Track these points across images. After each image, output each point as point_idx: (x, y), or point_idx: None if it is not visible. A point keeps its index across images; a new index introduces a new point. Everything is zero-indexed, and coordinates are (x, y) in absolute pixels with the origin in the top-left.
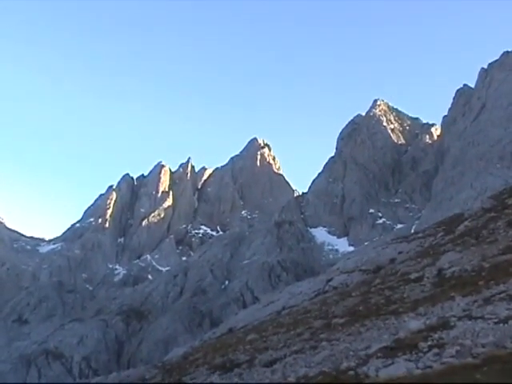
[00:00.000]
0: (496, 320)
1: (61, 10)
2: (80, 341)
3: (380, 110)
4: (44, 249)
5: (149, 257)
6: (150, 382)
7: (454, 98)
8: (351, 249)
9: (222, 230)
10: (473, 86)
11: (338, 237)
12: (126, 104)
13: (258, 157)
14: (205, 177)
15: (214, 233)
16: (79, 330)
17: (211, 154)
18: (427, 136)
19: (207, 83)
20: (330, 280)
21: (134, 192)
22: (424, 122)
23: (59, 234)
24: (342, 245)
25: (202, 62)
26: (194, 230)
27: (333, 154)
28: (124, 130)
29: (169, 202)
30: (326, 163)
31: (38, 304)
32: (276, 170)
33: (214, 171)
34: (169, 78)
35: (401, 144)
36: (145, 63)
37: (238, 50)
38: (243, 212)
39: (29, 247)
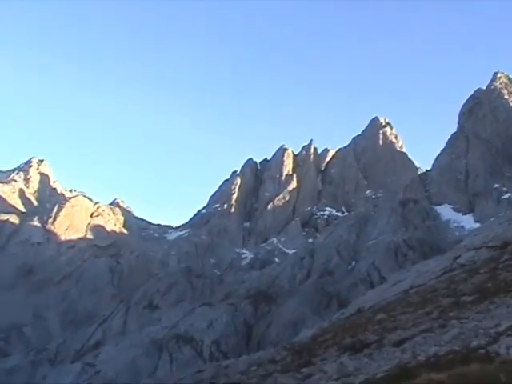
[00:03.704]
0: None
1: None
2: (210, 325)
3: (501, 83)
4: (171, 236)
5: (275, 240)
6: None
7: None
8: (477, 225)
9: (346, 211)
10: None
11: (464, 213)
12: (247, 91)
13: (380, 136)
14: (328, 158)
15: (339, 214)
16: (208, 314)
17: (333, 136)
18: None
19: (326, 65)
20: (457, 257)
21: (257, 176)
22: None
23: (186, 220)
24: (468, 221)
25: (320, 45)
26: (319, 211)
27: (455, 130)
28: (246, 115)
29: (293, 184)
30: (449, 139)
31: (167, 290)
32: (399, 149)
33: (336, 152)
34: (290, 62)
35: None
36: (266, 51)
37: (357, 32)
38: (367, 192)
39: (156, 235)
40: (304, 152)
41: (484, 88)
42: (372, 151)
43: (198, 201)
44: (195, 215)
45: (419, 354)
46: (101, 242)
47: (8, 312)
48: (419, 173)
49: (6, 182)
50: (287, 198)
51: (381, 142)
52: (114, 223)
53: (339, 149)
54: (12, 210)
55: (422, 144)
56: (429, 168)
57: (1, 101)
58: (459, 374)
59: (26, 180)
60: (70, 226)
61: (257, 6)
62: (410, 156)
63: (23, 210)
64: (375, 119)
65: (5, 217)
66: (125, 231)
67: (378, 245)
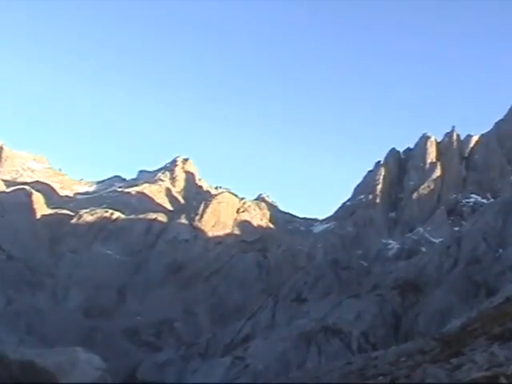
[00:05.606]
0: None
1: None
2: (357, 316)
3: None
4: (317, 229)
5: (421, 229)
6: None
7: None
8: None
9: (492, 197)
10: None
11: None
12: (385, 80)
13: None
14: (471, 144)
15: (485, 200)
16: (356, 306)
17: (476, 121)
18: None
19: (464, 51)
20: None
21: (401, 166)
22: None
23: (331, 213)
24: None
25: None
26: (465, 199)
27: None
28: (386, 105)
29: (437, 172)
30: None
31: (314, 282)
32: None
33: (479, 138)
34: (429, 50)
35: None
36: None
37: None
38: None
39: (302, 228)
40: (447, 139)
41: None
42: None
43: (343, 193)
44: (340, 207)
45: None
46: (248, 238)
47: (159, 308)
48: None
49: (153, 182)
50: (432, 187)
51: None
52: (260, 218)
53: (482, 134)
54: (160, 208)
55: None
56: None
57: (145, 102)
58: None
59: (172, 179)
60: (216, 222)
61: None
62: None
63: (170, 208)
64: None
65: (153, 216)
66: (271, 226)
67: None
